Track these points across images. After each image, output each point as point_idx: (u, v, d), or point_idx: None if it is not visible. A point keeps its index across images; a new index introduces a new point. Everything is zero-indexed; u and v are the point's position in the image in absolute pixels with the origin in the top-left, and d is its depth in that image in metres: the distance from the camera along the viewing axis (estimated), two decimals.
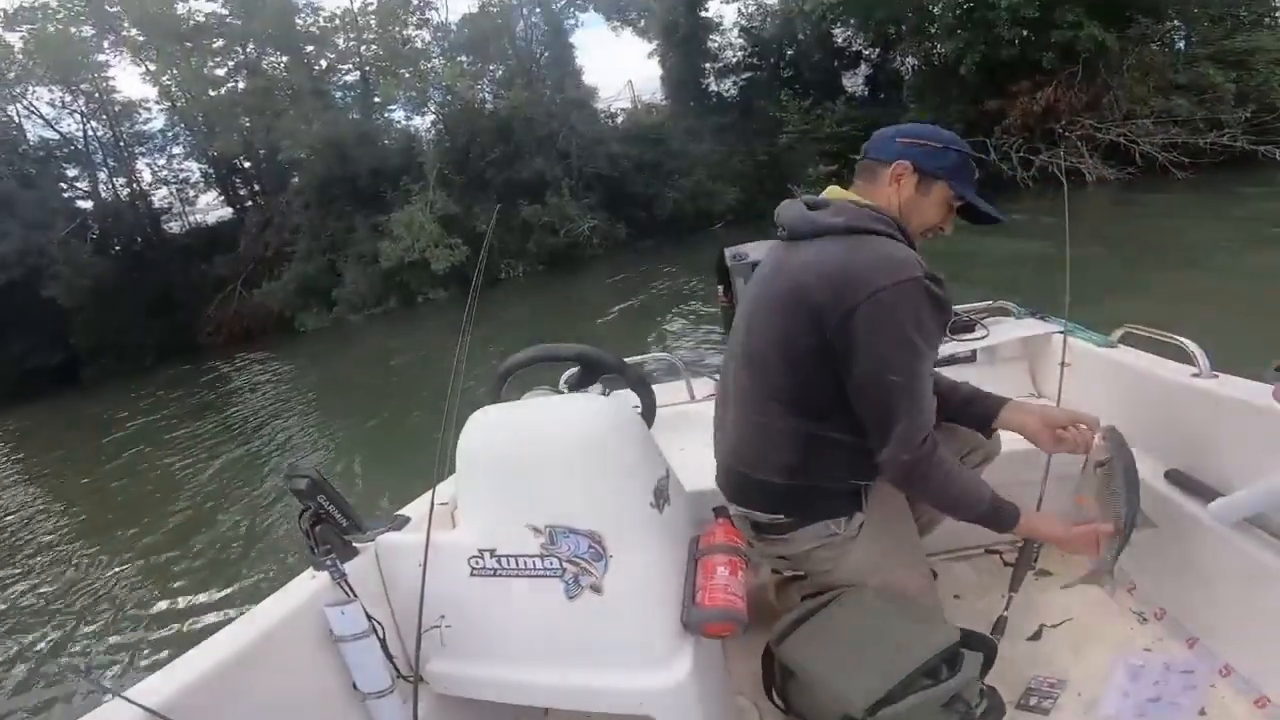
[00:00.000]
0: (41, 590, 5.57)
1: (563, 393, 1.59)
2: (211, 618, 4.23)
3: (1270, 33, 16.44)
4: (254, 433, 9.00)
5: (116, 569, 5.55)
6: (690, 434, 1.79)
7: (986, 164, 15.41)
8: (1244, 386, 1.40)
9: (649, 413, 1.65)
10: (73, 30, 18.45)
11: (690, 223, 16.83)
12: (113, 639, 4.39)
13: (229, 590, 4.62)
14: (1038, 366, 2.20)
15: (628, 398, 1.67)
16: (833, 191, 1.36)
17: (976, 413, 1.46)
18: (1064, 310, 1.84)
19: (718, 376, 2.60)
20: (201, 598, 4.61)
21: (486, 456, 1.26)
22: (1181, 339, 1.56)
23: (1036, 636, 1.60)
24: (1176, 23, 16.46)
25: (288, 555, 4.86)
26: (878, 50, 20.78)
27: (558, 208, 15.93)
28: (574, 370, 1.73)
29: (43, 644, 4.58)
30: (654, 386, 1.97)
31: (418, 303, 15.72)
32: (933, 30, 17.30)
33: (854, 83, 21.32)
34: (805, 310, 1.20)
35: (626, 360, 2.50)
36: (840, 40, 20.69)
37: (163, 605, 4.67)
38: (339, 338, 15.43)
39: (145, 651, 4.11)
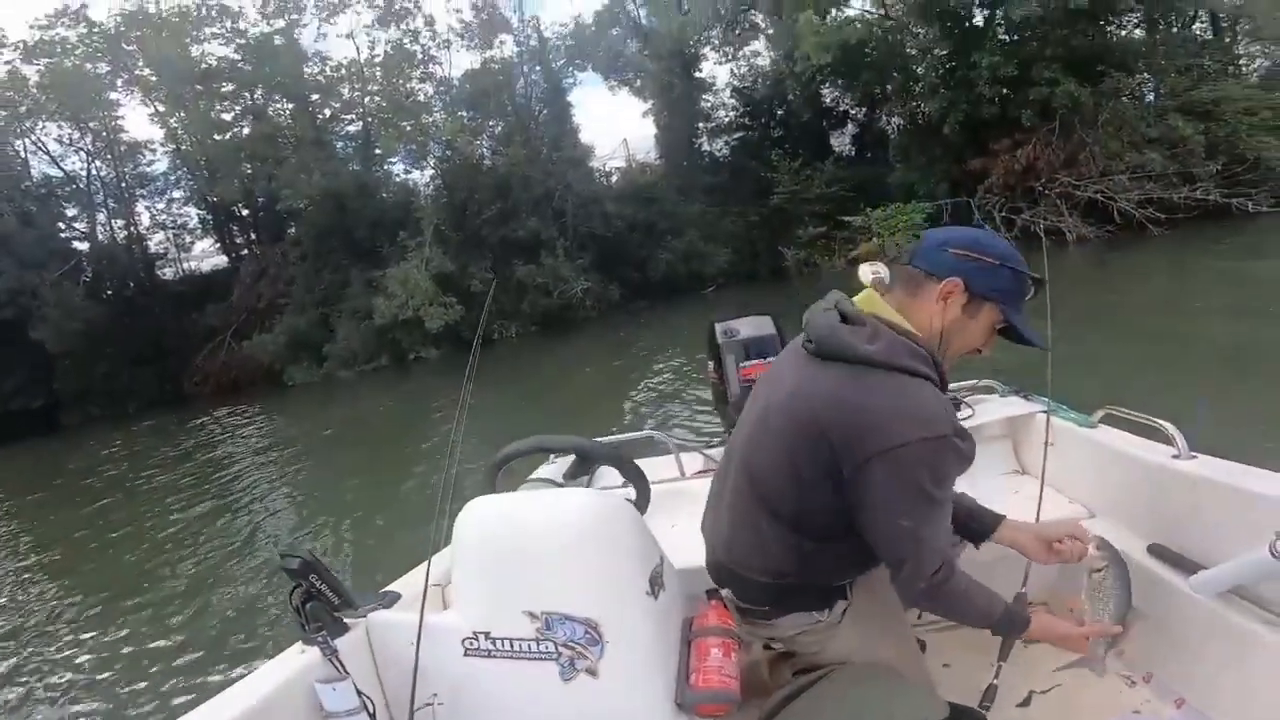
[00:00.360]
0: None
1: (558, 483, 1.62)
2: (183, 682, 4.04)
3: (1235, 82, 17.33)
4: (235, 488, 8.81)
5: (86, 632, 5.32)
6: (681, 511, 1.81)
7: (972, 227, 15.82)
8: (1222, 467, 1.45)
9: (643, 501, 1.67)
10: (88, 67, 18.79)
11: (683, 284, 17.04)
12: (80, 707, 4.17)
13: (199, 654, 4.43)
14: (1022, 445, 2.25)
15: (621, 482, 1.70)
16: (870, 301, 1.25)
17: (974, 529, 1.46)
18: (1046, 389, 1.88)
19: (708, 452, 2.64)
20: (176, 662, 4.40)
21: (483, 546, 1.28)
22: (1160, 421, 1.60)
23: (1026, 703, 1.61)
24: (1146, 75, 17.33)
25: (265, 617, 4.73)
26: (864, 110, 21.70)
27: (552, 268, 16.12)
28: (571, 458, 1.74)
29: None
30: (645, 462, 2.00)
31: (409, 360, 15.68)
32: (917, 90, 18.08)
33: (841, 142, 22.14)
34: (822, 446, 1.14)
35: (619, 437, 2.56)
36: (828, 100, 21.57)
37: (133, 667, 4.47)
38: (328, 393, 15.34)
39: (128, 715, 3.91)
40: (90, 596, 5.96)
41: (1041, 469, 1.74)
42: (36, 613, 5.93)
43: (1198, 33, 19.21)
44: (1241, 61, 20.21)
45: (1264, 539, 1.15)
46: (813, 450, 1.15)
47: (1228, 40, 19.71)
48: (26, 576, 7.14)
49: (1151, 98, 17.54)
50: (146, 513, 8.35)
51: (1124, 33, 17.59)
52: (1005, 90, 15.60)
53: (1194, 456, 1.53)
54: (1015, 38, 16.63)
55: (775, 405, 1.24)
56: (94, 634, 5.17)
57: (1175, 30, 18.44)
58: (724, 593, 1.37)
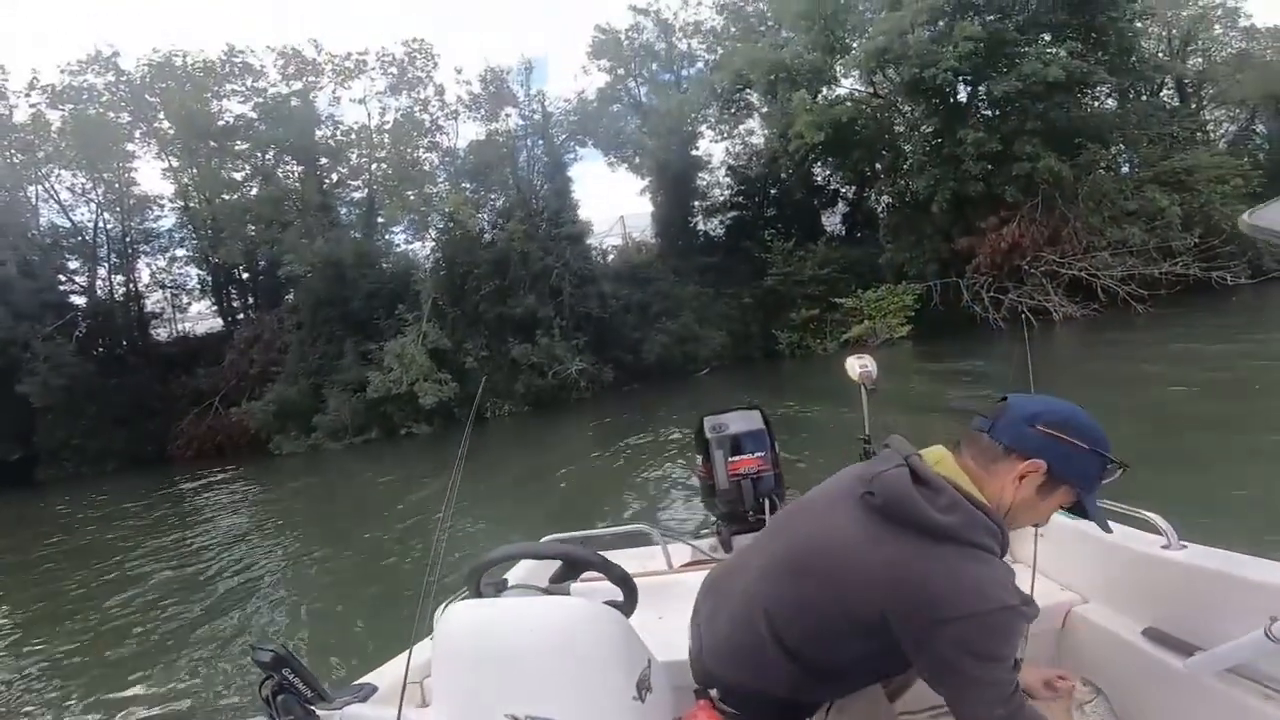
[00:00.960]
0: None
1: (542, 588, 1.60)
2: None
3: (1205, 149, 18.19)
4: (204, 557, 8.55)
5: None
6: (668, 603, 1.81)
7: (961, 309, 16.34)
8: (1213, 556, 1.48)
9: (630, 604, 1.64)
10: (110, 115, 19.02)
11: (677, 367, 17.08)
12: None
13: None
14: (1013, 535, 2.25)
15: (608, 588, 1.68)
16: (943, 463, 1.19)
17: None
18: None
19: (695, 543, 2.67)
20: None
21: (466, 653, 1.26)
22: (1149, 514, 1.63)
23: None
24: (1120, 146, 18.17)
25: (223, 703, 4.45)
26: (854, 188, 22.44)
27: (547, 348, 16.17)
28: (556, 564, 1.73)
29: None
30: (632, 552, 2.01)
31: (400, 435, 15.56)
32: (905, 167, 18.81)
33: (832, 221, 22.72)
34: (872, 612, 1.11)
35: (608, 530, 2.61)
36: (820, 179, 22.34)
37: None
38: (314, 464, 15.17)
39: None
40: (31, 667, 5.60)
41: (1033, 558, 1.73)
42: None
43: (1165, 100, 20.45)
44: (1209, 127, 21.44)
45: (1259, 623, 1.18)
46: (860, 614, 1.12)
47: (1194, 106, 20.93)
48: None
49: (1126, 169, 18.48)
50: (106, 577, 8.08)
51: (1097, 104, 18.62)
52: (989, 166, 16.24)
53: (1184, 546, 1.56)
54: (996, 113, 17.53)
55: (821, 552, 1.18)
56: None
57: (1145, 99, 19.56)
58: (711, 692, 1.33)
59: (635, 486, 8.87)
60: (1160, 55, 20.10)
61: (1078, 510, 1.22)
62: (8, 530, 12.39)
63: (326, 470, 14.64)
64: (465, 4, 38.35)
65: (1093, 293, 15.24)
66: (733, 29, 23.11)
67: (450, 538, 7.31)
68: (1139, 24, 17.98)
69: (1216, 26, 21.67)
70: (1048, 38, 17.04)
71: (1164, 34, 20.77)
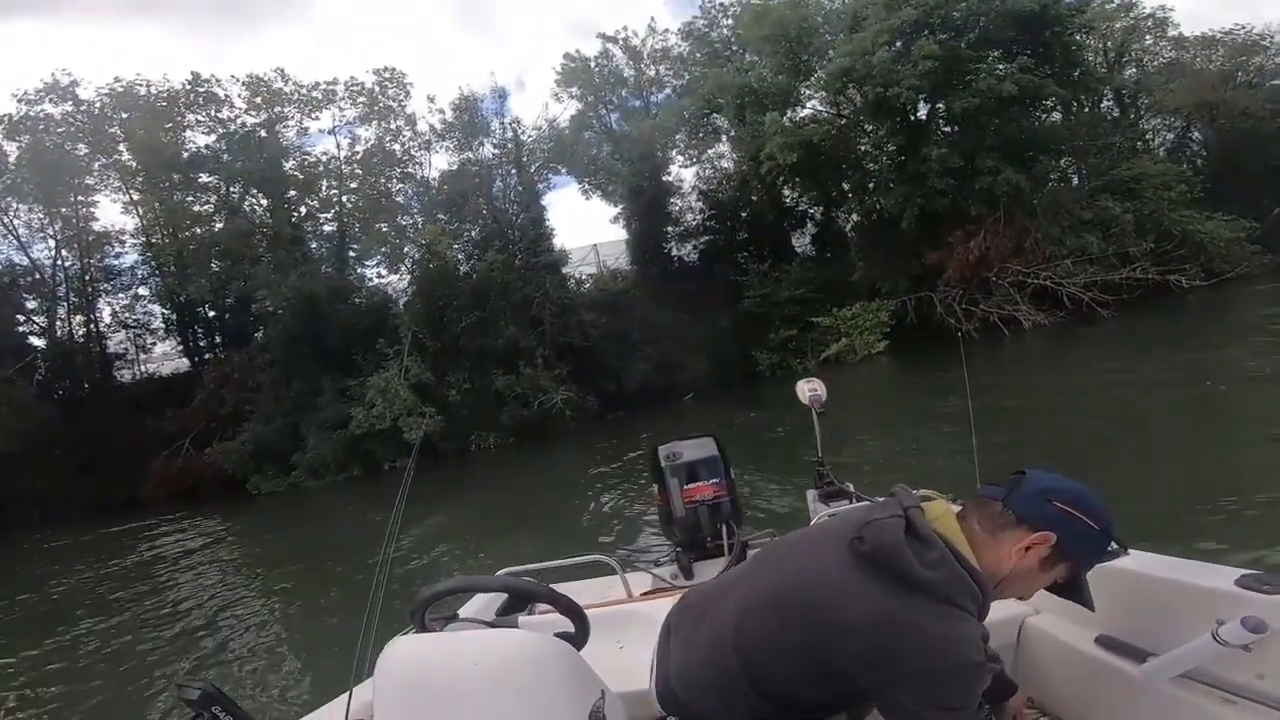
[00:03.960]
0: None
1: (488, 622, 1.58)
2: None
3: (1148, 158, 18.98)
4: (165, 599, 8.48)
5: None
6: (628, 632, 1.80)
7: (935, 322, 16.70)
8: (1159, 562, 1.51)
9: (582, 635, 1.63)
10: (67, 146, 18.40)
11: (659, 393, 17.06)
12: None
13: None
14: None
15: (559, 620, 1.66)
16: (943, 521, 1.20)
17: (996, 693, 1.49)
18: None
19: (655, 572, 2.69)
20: None
21: (407, 689, 1.21)
22: None
23: None
24: (1069, 159, 18.86)
25: None
26: (822, 209, 22.86)
27: (531, 378, 16.07)
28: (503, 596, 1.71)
29: None
30: (592, 583, 2.01)
31: (384, 471, 15.28)
32: (871, 186, 19.26)
33: (802, 242, 23.04)
34: (843, 655, 1.15)
35: (566, 561, 2.54)
36: (789, 200, 22.73)
37: None
38: (293, 504, 14.83)
39: None
40: None
41: None
42: None
43: (1106, 111, 21.32)
44: (1148, 136, 22.41)
45: (1207, 627, 1.22)
46: (834, 657, 1.15)
47: (1133, 116, 21.87)
48: None
49: (1076, 180, 19.21)
50: (59, 625, 7.92)
51: (1045, 117, 19.34)
52: (953, 181, 16.71)
53: (1128, 553, 1.57)
54: (955, 129, 18.10)
55: (802, 592, 1.20)
56: None
57: (1087, 110, 20.37)
58: None
59: (612, 513, 8.91)
60: (1099, 67, 20.97)
61: (1066, 589, 1.26)
62: None
63: (304, 509, 14.32)
64: (430, 33, 38.50)
65: (1059, 300, 15.70)
66: (698, 55, 23.58)
67: (414, 571, 7.22)
68: (1079, 37, 18.76)
69: (1148, 37, 22.69)
70: (999, 54, 17.74)
71: (1100, 46, 21.68)
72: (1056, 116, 19.79)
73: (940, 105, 18.08)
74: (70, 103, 18.50)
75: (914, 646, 1.09)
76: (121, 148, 19.16)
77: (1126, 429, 7.20)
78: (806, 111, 20.64)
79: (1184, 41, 22.71)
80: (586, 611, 1.55)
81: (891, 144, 18.60)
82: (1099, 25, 19.71)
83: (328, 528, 12.24)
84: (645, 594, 2.38)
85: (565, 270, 19.44)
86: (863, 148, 19.98)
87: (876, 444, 9.23)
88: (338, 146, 20.13)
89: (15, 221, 19.10)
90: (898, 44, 17.71)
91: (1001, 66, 16.97)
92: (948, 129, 18.41)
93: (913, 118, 18.77)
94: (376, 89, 19.89)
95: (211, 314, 20.58)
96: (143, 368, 21.01)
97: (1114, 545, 1.23)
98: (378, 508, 12.63)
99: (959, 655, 1.09)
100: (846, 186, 20.51)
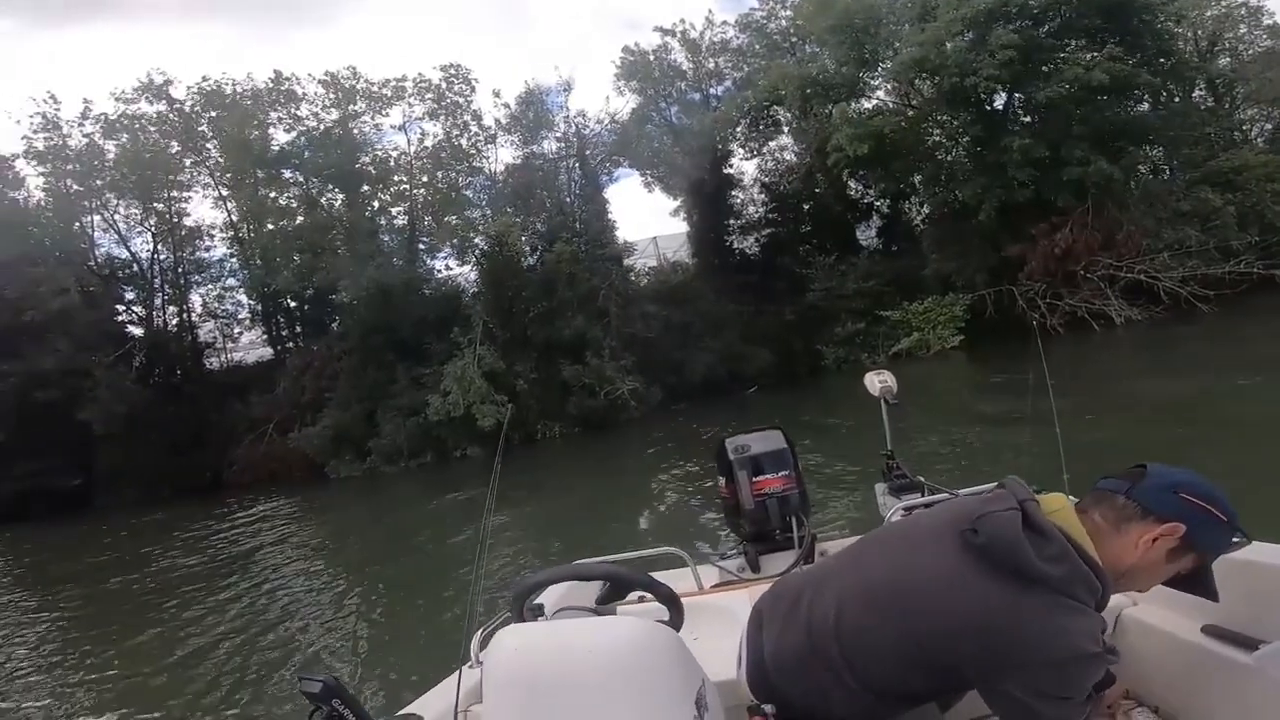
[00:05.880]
0: None
1: (590, 610, 1.61)
2: None
3: (1251, 149, 17.92)
4: (259, 581, 8.85)
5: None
6: (700, 624, 1.84)
7: (1015, 317, 16.14)
8: (1270, 550, 1.48)
9: (677, 624, 1.66)
10: (162, 145, 19.25)
11: (723, 385, 17.00)
12: None
13: None
14: None
15: (637, 598, 1.71)
16: (1063, 515, 1.20)
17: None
18: (1064, 485, 1.82)
19: (722, 564, 2.73)
20: None
21: (521, 678, 1.23)
22: None
23: None
24: (1160, 149, 17.96)
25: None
26: (888, 201, 22.35)
27: (598, 369, 16.20)
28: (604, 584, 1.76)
29: None
30: (661, 574, 2.02)
31: (454, 458, 15.71)
32: (944, 177, 18.72)
33: (867, 235, 22.51)
34: (950, 649, 1.16)
35: (640, 554, 2.61)
36: (854, 193, 22.29)
37: None
38: (370, 488, 15.38)
39: None
40: (77, 688, 5.72)
41: None
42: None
43: (1197, 101, 20.26)
44: (1245, 127, 21.19)
45: None
46: (940, 651, 1.16)
47: (1227, 106, 20.71)
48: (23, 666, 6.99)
49: (1167, 172, 18.28)
50: (160, 600, 8.37)
51: (1134, 106, 18.49)
52: (1036, 172, 16.12)
53: (1250, 542, 1.55)
54: (1036, 119, 17.43)
55: (909, 586, 1.21)
56: None
57: (1178, 100, 19.40)
58: (766, 708, 1.33)
59: (677, 507, 9.01)
60: (1192, 56, 19.97)
61: (1188, 580, 1.25)
62: (70, 554, 12.71)
63: (382, 494, 14.86)
64: (472, 31, 39.02)
65: (1154, 295, 15.01)
66: (757, 46, 23.35)
67: (495, 560, 7.39)
68: (1171, 24, 17.87)
69: (1242, 26, 21.47)
70: (1083, 42, 17.04)
71: (1190, 35, 20.66)
72: (1144, 106, 18.93)
73: (1018, 95, 17.49)
74: (164, 102, 19.42)
75: (1030, 638, 1.09)
76: (210, 146, 20.06)
77: (1226, 427, 6.87)
78: (873, 103, 20.24)
79: None
80: None
81: (967, 135, 18.07)
82: (1189, 14, 18.78)
83: (404, 512, 12.69)
84: (714, 586, 2.41)
85: (627, 263, 19.52)
86: (935, 138, 19.49)
87: (948, 439, 9.06)
88: (408, 142, 20.61)
89: (115, 217, 20.22)
90: (969, 34, 17.18)
91: (1089, 55, 16.29)
92: (1027, 119, 17.78)
93: (989, 107, 18.21)
94: (443, 85, 20.29)
95: (293, 304, 21.40)
96: (229, 356, 22.02)
97: (1239, 535, 1.23)
98: (449, 493, 13.10)
99: (1076, 646, 1.09)
100: (917, 179, 20.00)
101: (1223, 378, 9.32)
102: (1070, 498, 1.25)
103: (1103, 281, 15.64)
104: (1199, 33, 20.88)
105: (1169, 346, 13.13)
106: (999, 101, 18.28)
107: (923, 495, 2.57)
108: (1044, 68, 16.28)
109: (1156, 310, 14.91)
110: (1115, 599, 1.73)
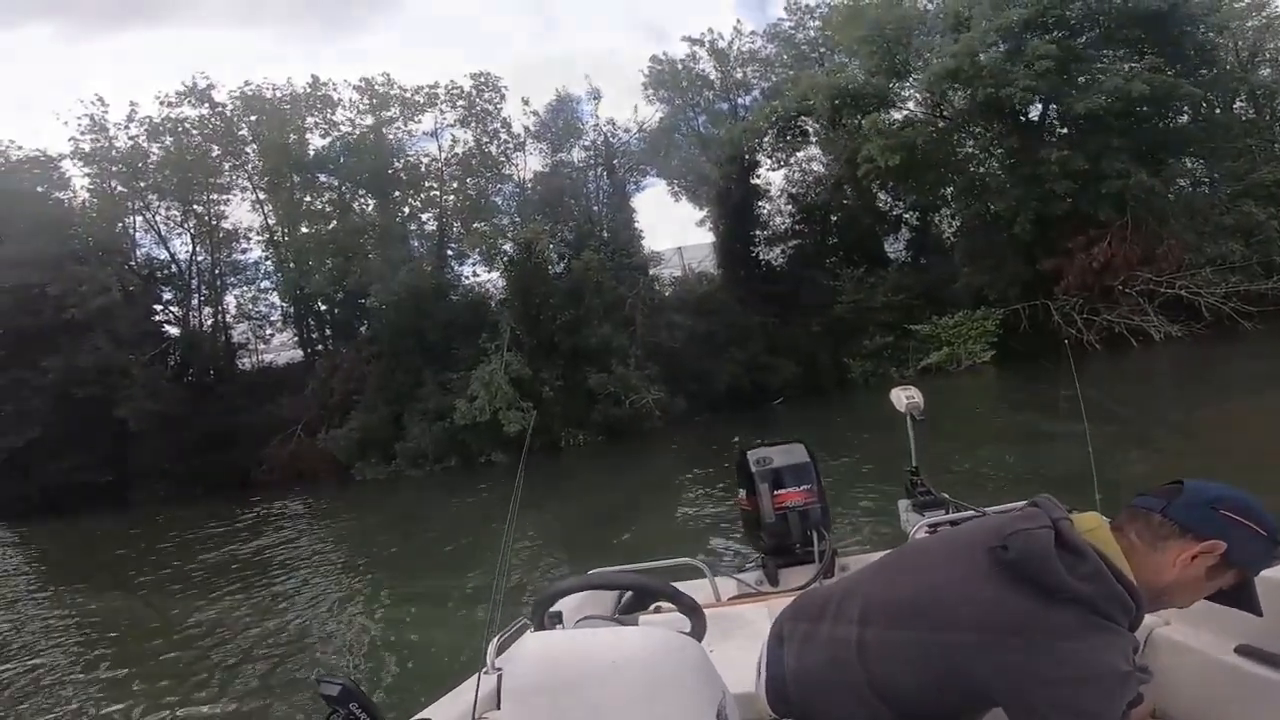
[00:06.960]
0: None
1: (611, 619, 1.59)
2: None
3: None
4: (285, 580, 8.96)
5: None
6: (717, 636, 1.82)
7: (1050, 332, 15.81)
8: None
9: (699, 635, 1.64)
10: (203, 148, 19.69)
11: (748, 397, 16.92)
12: None
13: None
14: None
15: (653, 608, 1.68)
16: (1097, 533, 1.17)
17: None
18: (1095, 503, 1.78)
19: (740, 577, 2.70)
20: None
21: (541, 686, 1.23)
22: None
23: None
24: (1200, 161, 17.50)
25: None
26: (917, 214, 22.10)
27: (623, 377, 16.23)
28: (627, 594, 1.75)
29: None
30: (680, 585, 2.00)
31: (479, 463, 15.81)
32: (978, 189, 18.44)
33: (895, 248, 22.24)
34: (978, 669, 1.13)
35: (659, 564, 2.59)
36: (883, 204, 22.09)
37: None
38: (395, 490, 15.56)
39: None
40: (91, 686, 5.81)
41: None
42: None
43: (1240, 113, 19.77)
44: None
45: None
46: (967, 669, 1.13)
47: (1268, 117, 20.18)
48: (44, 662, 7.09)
49: (1208, 185, 17.83)
50: (187, 595, 8.54)
51: (1174, 118, 18.09)
52: (1073, 184, 15.81)
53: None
54: (1073, 130, 17.13)
55: (936, 603, 1.19)
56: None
57: (1219, 112, 18.96)
58: None
59: (696, 518, 8.98)
60: (1234, 68, 19.52)
61: (1229, 595, 1.21)
62: (104, 548, 13.03)
63: (406, 497, 15.02)
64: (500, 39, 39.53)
65: (1195, 311, 14.62)
66: (785, 56, 23.29)
67: (516, 565, 7.39)
68: (1212, 36, 17.51)
69: None
70: (1122, 53, 16.75)
71: (1231, 45, 20.21)
72: (1184, 118, 18.55)
73: (1054, 106, 17.23)
74: (206, 105, 19.91)
75: (1060, 655, 1.07)
76: (249, 149, 20.48)
77: (1271, 448, 6.62)
78: (903, 114, 20.05)
79: None
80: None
81: (1001, 146, 17.83)
82: (1231, 25, 18.39)
83: (427, 515, 12.82)
84: (732, 599, 2.40)
85: (653, 272, 19.53)
86: (967, 150, 19.25)
87: (977, 457, 8.87)
88: (439, 149, 20.90)
89: (156, 218, 20.72)
90: (1004, 44, 16.97)
91: (1129, 66, 16.01)
92: (1064, 130, 17.50)
93: (1024, 119, 17.95)
94: (474, 93, 20.57)
95: (324, 308, 21.70)
96: (260, 357, 22.43)
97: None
98: (471, 497, 13.12)
99: (1108, 664, 1.07)
100: (948, 191, 19.75)
101: (1267, 398, 9.03)
102: (1104, 517, 1.23)
103: (1142, 297, 15.25)
104: (1239, 43, 20.43)
105: (1211, 364, 12.77)
106: (1034, 113, 18.03)
107: (947, 512, 2.54)
108: (1081, 79, 16.01)
109: (1198, 327, 14.50)
110: (1148, 618, 1.67)
